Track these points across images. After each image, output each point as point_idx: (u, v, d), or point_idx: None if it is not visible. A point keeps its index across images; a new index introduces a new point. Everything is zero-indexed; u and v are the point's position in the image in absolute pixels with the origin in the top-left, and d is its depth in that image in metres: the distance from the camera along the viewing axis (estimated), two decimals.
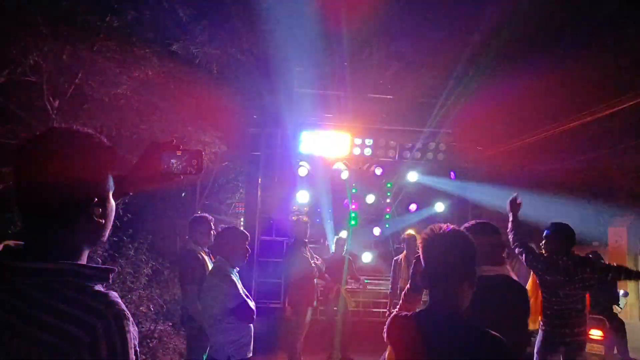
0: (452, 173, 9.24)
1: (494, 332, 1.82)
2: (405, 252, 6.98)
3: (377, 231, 9.86)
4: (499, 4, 6.20)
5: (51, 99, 5.85)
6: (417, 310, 2.00)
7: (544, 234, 4.54)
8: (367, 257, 9.44)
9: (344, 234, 8.49)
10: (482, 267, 2.41)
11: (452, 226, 1.94)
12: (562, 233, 4.43)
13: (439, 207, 9.49)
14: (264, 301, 7.88)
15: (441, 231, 1.91)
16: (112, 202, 1.26)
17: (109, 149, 1.24)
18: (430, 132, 8.87)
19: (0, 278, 1.10)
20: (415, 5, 7.37)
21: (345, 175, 8.95)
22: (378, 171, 8.94)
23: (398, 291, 6.82)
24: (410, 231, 7.01)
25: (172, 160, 1.42)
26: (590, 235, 10.67)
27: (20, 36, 5.35)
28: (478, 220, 2.81)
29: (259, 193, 8.72)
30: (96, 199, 1.19)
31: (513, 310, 2.46)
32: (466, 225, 2.67)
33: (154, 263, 7.93)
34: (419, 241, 1.99)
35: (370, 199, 9.57)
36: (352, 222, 9.82)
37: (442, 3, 7.38)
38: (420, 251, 1.97)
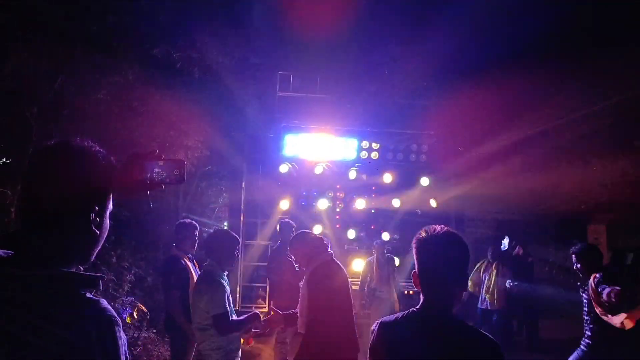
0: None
1: (486, 333, 1.82)
2: (375, 254, 7.21)
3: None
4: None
5: (30, 105, 5.75)
6: (406, 311, 1.94)
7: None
8: (359, 265, 9.14)
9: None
10: (321, 256, 3.89)
11: (446, 228, 1.90)
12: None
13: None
14: (249, 305, 7.84)
15: (435, 232, 1.88)
16: (108, 220, 1.32)
17: (112, 165, 1.31)
18: (412, 134, 8.90)
19: None
20: (398, 10, 7.44)
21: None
22: (352, 175, 8.78)
23: (367, 291, 7.07)
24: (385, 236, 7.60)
25: (154, 170, 1.42)
26: (568, 233, 10.86)
27: None
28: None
29: (242, 197, 8.68)
30: (97, 207, 1.25)
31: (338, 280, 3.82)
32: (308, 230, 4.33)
33: (137, 270, 7.83)
34: (413, 242, 1.93)
35: (360, 203, 9.28)
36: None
37: (422, 7, 7.47)
38: (414, 252, 1.93)
